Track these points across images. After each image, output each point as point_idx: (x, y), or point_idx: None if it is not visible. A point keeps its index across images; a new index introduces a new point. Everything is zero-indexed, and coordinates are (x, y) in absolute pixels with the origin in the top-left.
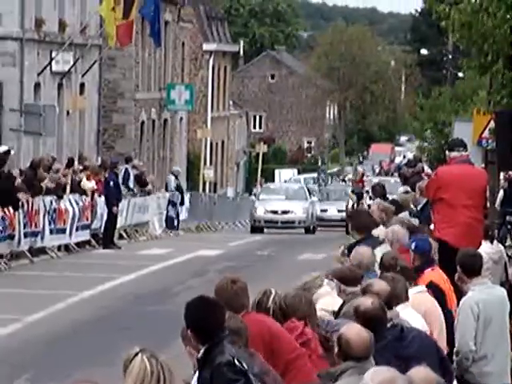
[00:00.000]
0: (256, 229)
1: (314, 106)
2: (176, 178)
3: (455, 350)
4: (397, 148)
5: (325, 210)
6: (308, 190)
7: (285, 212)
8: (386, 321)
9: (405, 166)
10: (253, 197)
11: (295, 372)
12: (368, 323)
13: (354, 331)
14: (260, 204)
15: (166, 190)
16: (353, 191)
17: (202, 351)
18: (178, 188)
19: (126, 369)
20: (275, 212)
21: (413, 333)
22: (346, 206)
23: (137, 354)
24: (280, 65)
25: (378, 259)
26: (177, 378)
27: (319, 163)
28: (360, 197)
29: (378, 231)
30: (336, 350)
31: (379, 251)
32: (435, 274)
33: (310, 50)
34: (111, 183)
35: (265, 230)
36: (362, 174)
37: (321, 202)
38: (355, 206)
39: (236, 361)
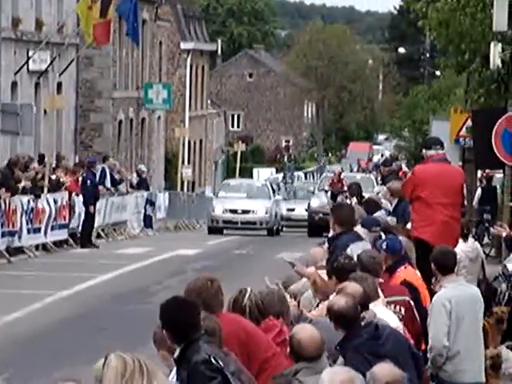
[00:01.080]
0: (214, 230)
1: (292, 104)
2: (139, 175)
3: (429, 346)
4: (375, 146)
5: (292, 209)
6: (272, 187)
7: (245, 211)
8: (360, 320)
9: (381, 165)
10: (210, 194)
11: (271, 371)
12: (342, 322)
13: (305, 332)
14: (218, 202)
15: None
16: (332, 192)
17: (177, 351)
18: (139, 185)
19: (98, 378)
20: (235, 211)
21: (387, 330)
22: (309, 205)
23: (107, 357)
24: (258, 64)
25: (355, 255)
26: (158, 370)
27: (285, 160)
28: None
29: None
30: (288, 350)
31: (359, 247)
32: (408, 272)
33: (287, 49)
34: (88, 182)
35: (224, 231)
36: (340, 173)
37: (287, 201)
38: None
39: (212, 359)
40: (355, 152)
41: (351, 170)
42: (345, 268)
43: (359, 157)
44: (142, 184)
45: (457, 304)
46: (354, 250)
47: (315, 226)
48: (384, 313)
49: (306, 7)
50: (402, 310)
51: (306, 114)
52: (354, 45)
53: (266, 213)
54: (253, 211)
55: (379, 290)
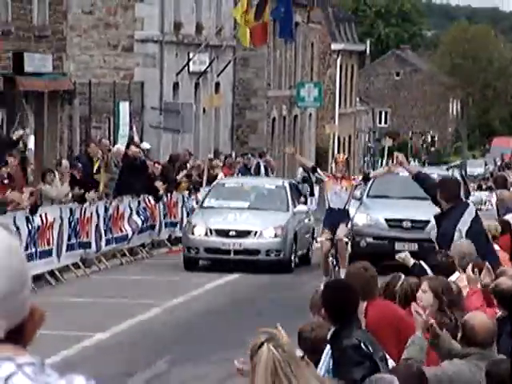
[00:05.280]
0: (192, 262)
1: (438, 101)
2: (304, 170)
3: None
4: None
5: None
6: (298, 189)
7: (242, 233)
8: None
9: None
10: (194, 204)
11: None
12: (504, 302)
13: (478, 318)
14: (200, 218)
15: None
16: None
17: (331, 331)
18: (306, 180)
19: (252, 356)
20: (225, 233)
21: None
22: (352, 222)
23: (262, 344)
24: (405, 63)
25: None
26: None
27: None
28: None
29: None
30: (459, 335)
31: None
32: None
33: (433, 49)
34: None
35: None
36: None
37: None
38: None
39: (362, 344)
40: (499, 147)
41: (495, 165)
42: (443, 266)
43: (503, 151)
44: (309, 178)
45: None
46: (462, 228)
47: (360, 256)
48: None
49: (451, 8)
50: None
51: (450, 111)
52: (498, 44)
53: (278, 235)
54: (255, 233)
55: None
